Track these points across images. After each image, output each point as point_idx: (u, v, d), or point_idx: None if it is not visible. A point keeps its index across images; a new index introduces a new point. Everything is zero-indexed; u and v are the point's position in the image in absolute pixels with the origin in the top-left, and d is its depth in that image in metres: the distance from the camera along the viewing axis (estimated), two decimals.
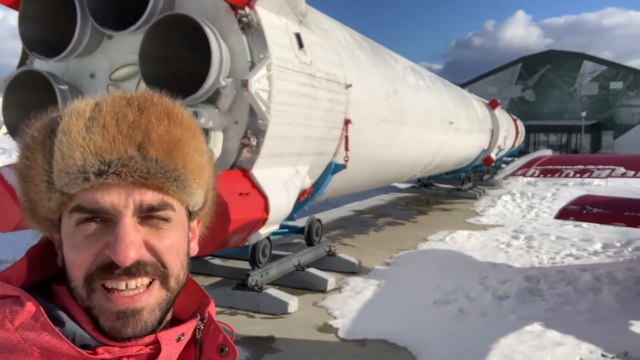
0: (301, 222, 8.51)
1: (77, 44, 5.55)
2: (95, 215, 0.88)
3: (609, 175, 7.05)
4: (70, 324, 0.88)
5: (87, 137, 0.88)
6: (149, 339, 0.91)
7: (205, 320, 0.99)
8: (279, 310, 6.48)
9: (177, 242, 0.94)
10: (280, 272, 7.25)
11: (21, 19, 5.51)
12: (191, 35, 5.32)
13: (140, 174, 0.88)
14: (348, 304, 6.90)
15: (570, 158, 9.56)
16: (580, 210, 5.45)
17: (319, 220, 8.57)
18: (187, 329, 0.96)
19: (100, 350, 0.88)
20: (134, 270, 0.88)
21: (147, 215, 0.90)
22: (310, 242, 8.28)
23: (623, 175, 7.10)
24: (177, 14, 5.37)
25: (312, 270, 7.66)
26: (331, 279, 7.60)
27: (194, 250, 1.04)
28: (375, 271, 8.56)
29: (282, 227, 7.41)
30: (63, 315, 0.89)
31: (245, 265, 6.99)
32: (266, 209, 5.51)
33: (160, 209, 0.91)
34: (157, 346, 0.91)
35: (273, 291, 6.69)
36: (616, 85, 51.45)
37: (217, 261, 8.08)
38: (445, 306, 6.88)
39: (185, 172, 0.93)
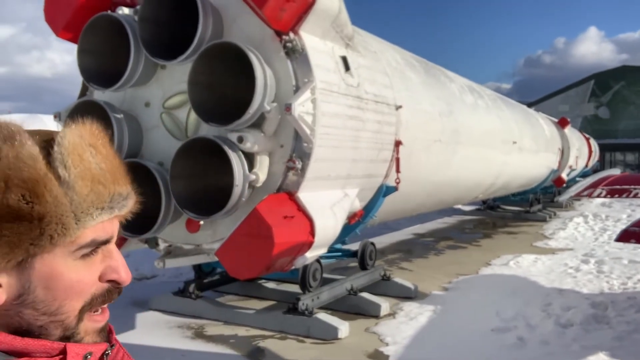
0: (355, 246, 8.43)
1: (131, 74, 5.78)
2: (98, 247, 0.92)
3: None
4: None
5: (100, 173, 0.91)
6: (59, 347, 0.89)
7: (114, 347, 1.00)
8: (329, 335, 6.40)
9: None
10: (332, 297, 7.17)
11: (80, 52, 5.81)
12: (237, 61, 5.43)
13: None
14: (401, 330, 6.72)
15: (639, 177, 9.00)
16: None
17: (372, 244, 8.45)
18: (96, 350, 0.95)
19: None
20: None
21: None
22: (363, 266, 8.17)
23: None
24: (224, 42, 5.50)
25: (365, 294, 7.53)
26: (384, 304, 7.44)
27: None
28: (432, 296, 8.32)
29: (334, 250, 7.36)
30: None
31: (298, 288, 6.96)
32: (312, 232, 5.48)
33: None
34: (63, 357, 0.89)
35: (323, 316, 6.62)
36: None
37: (271, 285, 8.11)
38: (504, 334, 6.56)
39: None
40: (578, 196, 7.73)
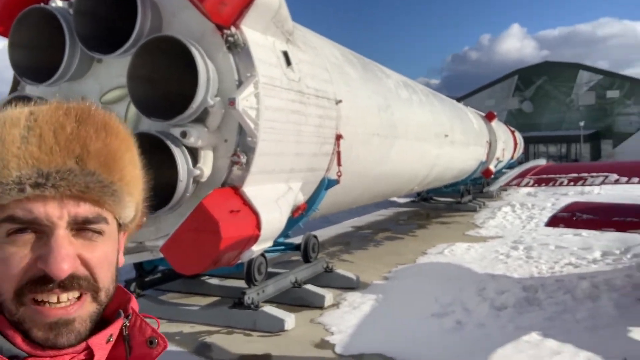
0: (298, 239, 8.51)
1: (66, 68, 5.61)
2: (28, 226, 0.86)
3: (602, 183, 7.05)
4: None
5: (22, 147, 0.86)
6: (81, 346, 0.90)
7: (130, 317, 1.00)
8: (275, 327, 6.45)
9: (108, 255, 0.94)
10: (277, 290, 7.23)
11: (11, 46, 5.58)
12: (179, 56, 5.38)
13: (78, 187, 0.88)
14: (345, 320, 6.87)
15: (563, 167, 9.57)
16: (570, 217, 5.46)
17: (315, 237, 8.56)
18: (114, 330, 0.96)
19: None
20: (67, 283, 0.87)
21: (81, 227, 0.89)
22: (307, 259, 8.26)
23: (616, 182, 7.08)
24: (163, 35, 5.43)
25: (309, 286, 7.64)
26: (328, 295, 7.57)
27: (122, 261, 1.04)
28: (373, 286, 8.53)
29: (277, 244, 7.40)
30: None
31: (242, 284, 6.97)
32: (258, 226, 5.52)
33: (95, 221, 0.90)
34: (89, 352, 0.91)
35: (270, 309, 6.67)
36: (613, 94, 51.68)
37: (214, 281, 8.07)
38: (443, 318, 6.84)
39: (122, 185, 0.94)
40: (507, 185, 8.12)
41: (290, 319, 6.58)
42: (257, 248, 5.78)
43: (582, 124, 47.21)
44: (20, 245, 0.86)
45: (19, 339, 0.88)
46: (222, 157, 5.58)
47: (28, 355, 0.87)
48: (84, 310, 0.90)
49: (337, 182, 7.25)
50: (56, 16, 5.45)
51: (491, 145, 20.46)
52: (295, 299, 7.45)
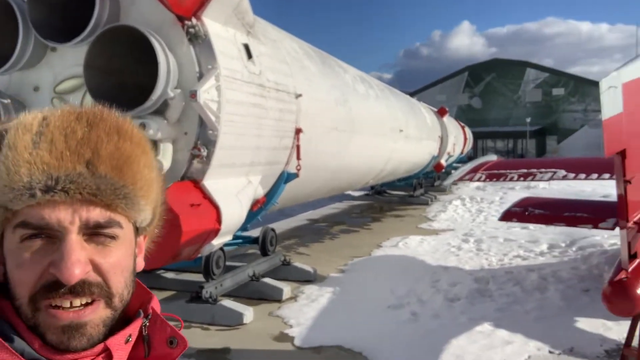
0: (255, 233, 8.51)
1: (19, 56, 5.43)
2: (41, 232, 0.87)
3: (551, 178, 7.35)
4: (18, 340, 0.87)
5: (33, 153, 0.86)
6: (99, 347, 0.90)
7: (149, 317, 0.99)
8: (234, 321, 6.45)
9: (122, 260, 0.93)
10: (235, 283, 7.22)
11: None
12: (137, 47, 5.27)
13: (89, 191, 0.87)
14: (304, 312, 6.93)
15: (514, 162, 9.92)
16: (522, 212, 5.69)
17: (273, 230, 8.58)
18: (133, 330, 0.96)
19: None
20: (79, 289, 0.87)
21: (94, 232, 0.89)
22: (264, 252, 8.28)
23: (564, 177, 7.41)
24: (122, 25, 5.32)
25: (267, 280, 7.66)
26: (286, 288, 7.62)
27: (141, 265, 1.03)
28: (330, 279, 8.62)
29: (235, 237, 7.38)
30: (10, 330, 0.88)
31: (199, 277, 6.92)
32: (218, 220, 5.50)
33: (107, 226, 0.90)
34: (108, 353, 0.91)
35: (228, 302, 6.66)
36: (558, 91, 53.53)
37: (170, 275, 7.95)
38: (399, 310, 6.99)
39: (135, 189, 0.93)
40: (461, 180, 8.38)
41: (248, 313, 6.59)
42: (217, 242, 5.76)
43: (528, 120, 48.76)
44: (33, 251, 0.87)
45: (37, 344, 0.88)
46: (182, 150, 5.52)
47: (47, 359, 0.88)
48: (96, 315, 0.90)
49: (296, 175, 7.29)
50: (9, 3, 5.25)
51: (443, 140, 20.90)
52: (254, 293, 7.46)
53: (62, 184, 0.86)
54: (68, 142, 0.88)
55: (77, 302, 0.87)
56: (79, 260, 0.86)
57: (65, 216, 0.87)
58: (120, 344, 0.93)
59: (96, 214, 0.89)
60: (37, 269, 0.86)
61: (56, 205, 0.87)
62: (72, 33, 5.34)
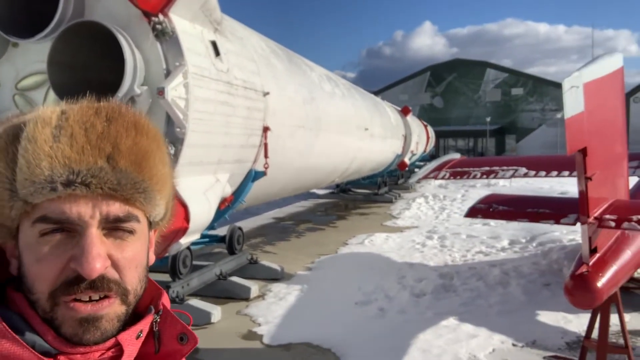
0: (222, 231, 8.46)
1: None
2: (60, 226, 0.86)
3: (513, 176, 7.54)
4: (29, 333, 0.87)
5: (54, 146, 0.86)
6: (110, 342, 0.91)
7: (160, 313, 1.00)
8: (201, 320, 6.41)
9: (137, 255, 0.94)
10: (202, 283, 7.17)
11: None
12: (103, 43, 5.18)
13: (110, 186, 0.88)
14: (272, 310, 6.94)
15: (476, 160, 10.11)
16: (487, 209, 5.82)
17: (240, 229, 8.55)
18: (144, 326, 0.96)
19: (62, 358, 0.87)
20: (98, 284, 0.87)
21: (112, 226, 0.90)
22: (231, 251, 8.24)
23: (525, 175, 7.60)
24: (87, 21, 5.21)
25: (234, 278, 7.63)
26: (254, 287, 7.61)
27: (152, 259, 1.03)
28: (297, 276, 8.65)
29: (203, 236, 7.32)
30: (22, 323, 0.88)
31: (166, 277, 6.84)
32: (186, 218, 5.44)
33: (126, 220, 0.91)
34: (119, 348, 0.92)
35: (195, 302, 6.62)
36: (517, 91, 54.82)
37: None
38: (366, 306, 7.08)
39: (152, 184, 0.93)
40: (426, 178, 8.47)
41: (216, 312, 6.56)
42: (184, 241, 5.71)
43: (488, 119, 49.82)
44: (53, 246, 0.87)
45: (49, 336, 0.88)
46: None
47: (58, 352, 0.87)
48: (112, 309, 0.90)
49: (263, 174, 7.27)
50: None
51: (406, 139, 21.15)
52: (221, 291, 7.43)
53: (83, 178, 0.86)
54: (88, 137, 0.88)
55: (95, 296, 0.88)
56: (99, 255, 0.86)
57: (86, 210, 0.87)
58: (132, 340, 0.93)
59: (116, 209, 0.89)
60: (58, 264, 0.86)
61: (77, 199, 0.87)
62: (35, 29, 5.20)
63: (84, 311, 0.87)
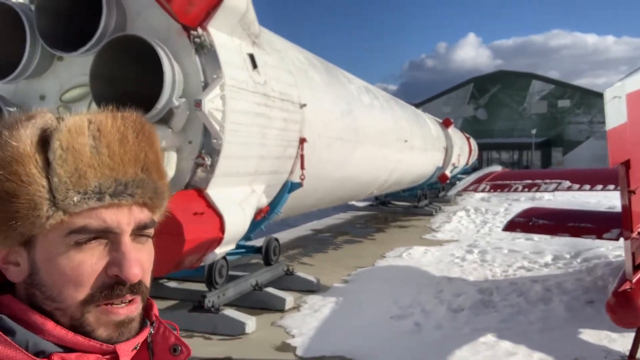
0: (259, 242, 8.50)
1: (26, 65, 5.48)
2: (98, 235, 0.88)
3: (555, 189, 7.33)
4: (21, 332, 0.86)
5: (94, 157, 0.88)
6: (108, 349, 0.91)
7: (154, 324, 1.01)
8: (236, 330, 6.43)
9: (151, 259, 0.97)
10: (237, 293, 7.20)
11: None
12: (143, 56, 5.32)
13: (148, 196, 0.93)
14: (306, 322, 6.90)
15: (518, 173, 9.90)
16: (526, 222, 5.67)
17: (276, 240, 8.57)
18: (142, 338, 0.97)
19: (55, 357, 0.86)
20: (137, 288, 0.91)
21: (138, 232, 0.93)
22: (268, 262, 8.27)
23: (569, 188, 7.39)
24: (128, 35, 5.37)
25: (270, 289, 7.64)
26: (289, 298, 7.60)
27: None
28: (333, 289, 8.60)
29: (239, 247, 7.38)
30: (13, 324, 0.87)
31: (202, 287, 6.92)
32: (221, 229, 5.50)
33: (150, 226, 0.95)
34: (113, 356, 0.92)
35: (230, 312, 6.64)
36: (564, 103, 53.55)
37: (173, 284, 7.96)
38: (402, 320, 6.96)
39: (165, 190, 0.99)
40: (465, 190, 8.37)
41: (251, 322, 6.57)
42: (219, 251, 5.77)
43: (533, 131, 48.74)
44: (88, 253, 0.88)
45: (49, 325, 0.88)
46: (186, 158, 5.54)
47: (56, 349, 0.87)
48: (138, 310, 0.94)
49: (300, 185, 7.29)
50: (17, 12, 5.31)
51: (447, 151, 20.89)
52: (256, 302, 7.45)
53: (130, 189, 0.90)
54: (124, 148, 0.91)
55: (126, 299, 0.91)
56: (137, 260, 0.90)
57: (124, 219, 0.90)
58: (129, 351, 0.94)
59: (145, 216, 0.94)
60: (95, 271, 0.88)
61: (119, 209, 0.90)
62: (78, 42, 5.39)
63: (122, 314, 0.91)
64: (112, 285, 0.89)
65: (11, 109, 5.50)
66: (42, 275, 0.89)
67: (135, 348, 0.96)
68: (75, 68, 5.72)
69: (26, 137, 0.87)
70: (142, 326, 0.97)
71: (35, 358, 0.84)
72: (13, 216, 0.86)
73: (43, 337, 0.87)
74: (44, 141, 0.88)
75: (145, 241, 0.95)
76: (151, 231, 0.96)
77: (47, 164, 0.86)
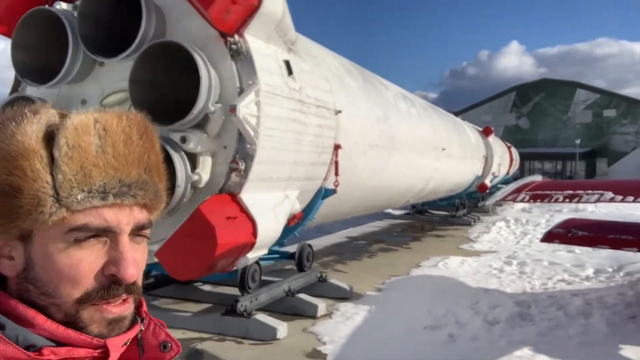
0: (292, 248, 8.52)
1: (68, 70, 5.63)
2: (98, 233, 0.90)
3: (598, 200, 7.10)
4: (11, 326, 0.86)
5: (99, 156, 0.89)
6: (99, 344, 0.92)
7: (144, 321, 1.02)
8: (267, 336, 6.44)
9: (145, 259, 0.99)
10: (270, 298, 7.22)
11: (14, 46, 5.60)
12: (181, 62, 5.40)
13: (150, 197, 0.94)
14: (338, 330, 6.86)
15: (559, 183, 9.64)
16: (565, 234, 5.49)
17: (310, 246, 8.57)
18: (132, 334, 0.98)
19: (45, 351, 0.87)
20: (132, 287, 0.93)
21: (136, 233, 0.94)
22: (301, 268, 8.27)
23: (611, 200, 7.14)
24: (167, 41, 5.46)
25: (302, 295, 7.63)
26: (321, 305, 7.57)
27: None
28: (366, 297, 8.53)
29: (272, 252, 7.41)
30: (2, 317, 0.87)
31: (235, 291, 6.97)
32: (254, 233, 5.52)
33: (148, 227, 0.97)
34: (104, 351, 0.93)
35: (262, 317, 6.66)
36: (609, 113, 52.03)
37: (207, 287, 8.06)
38: (436, 331, 6.85)
39: (164, 192, 1.01)
40: (503, 200, 8.18)
41: (282, 328, 6.57)
42: (252, 255, 5.78)
43: (578, 141, 47.49)
44: (87, 251, 0.89)
45: (40, 319, 0.89)
46: (221, 163, 5.59)
47: (47, 343, 0.88)
48: (131, 308, 0.96)
49: (334, 191, 7.27)
50: (60, 18, 5.48)
51: (487, 160, 20.52)
52: (288, 308, 7.45)
53: (133, 190, 0.91)
54: (129, 149, 0.93)
55: (123, 298, 0.93)
56: (135, 260, 0.91)
57: (125, 219, 0.92)
58: (118, 346, 0.95)
59: (144, 216, 0.96)
60: (93, 269, 0.89)
61: (120, 208, 0.91)
62: (118, 48, 5.52)
63: (115, 312, 0.92)
64: (109, 285, 0.90)
65: None
66: (38, 270, 0.90)
67: (126, 344, 0.97)
68: (116, 73, 5.85)
69: (32, 132, 0.88)
70: (132, 323, 0.98)
71: (26, 351, 0.84)
72: (16, 211, 0.86)
73: (33, 331, 0.88)
74: (49, 137, 0.88)
75: (141, 241, 0.96)
76: (148, 232, 0.97)
77: (51, 161, 0.87)
